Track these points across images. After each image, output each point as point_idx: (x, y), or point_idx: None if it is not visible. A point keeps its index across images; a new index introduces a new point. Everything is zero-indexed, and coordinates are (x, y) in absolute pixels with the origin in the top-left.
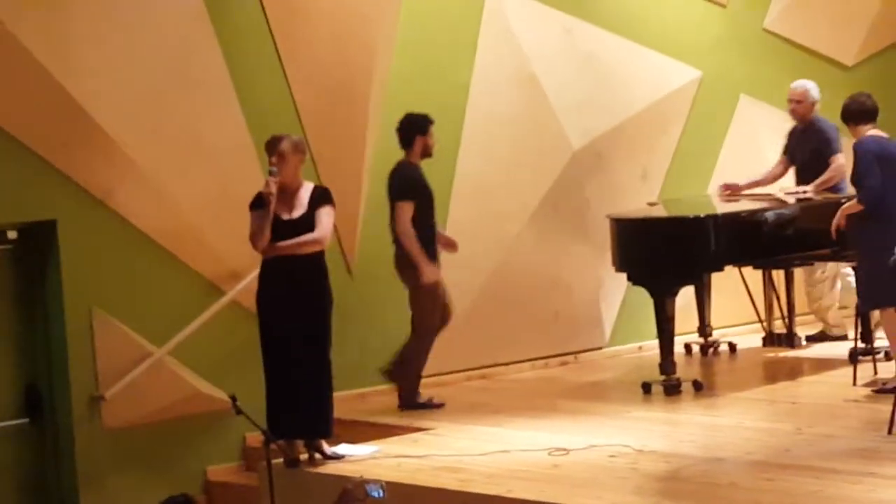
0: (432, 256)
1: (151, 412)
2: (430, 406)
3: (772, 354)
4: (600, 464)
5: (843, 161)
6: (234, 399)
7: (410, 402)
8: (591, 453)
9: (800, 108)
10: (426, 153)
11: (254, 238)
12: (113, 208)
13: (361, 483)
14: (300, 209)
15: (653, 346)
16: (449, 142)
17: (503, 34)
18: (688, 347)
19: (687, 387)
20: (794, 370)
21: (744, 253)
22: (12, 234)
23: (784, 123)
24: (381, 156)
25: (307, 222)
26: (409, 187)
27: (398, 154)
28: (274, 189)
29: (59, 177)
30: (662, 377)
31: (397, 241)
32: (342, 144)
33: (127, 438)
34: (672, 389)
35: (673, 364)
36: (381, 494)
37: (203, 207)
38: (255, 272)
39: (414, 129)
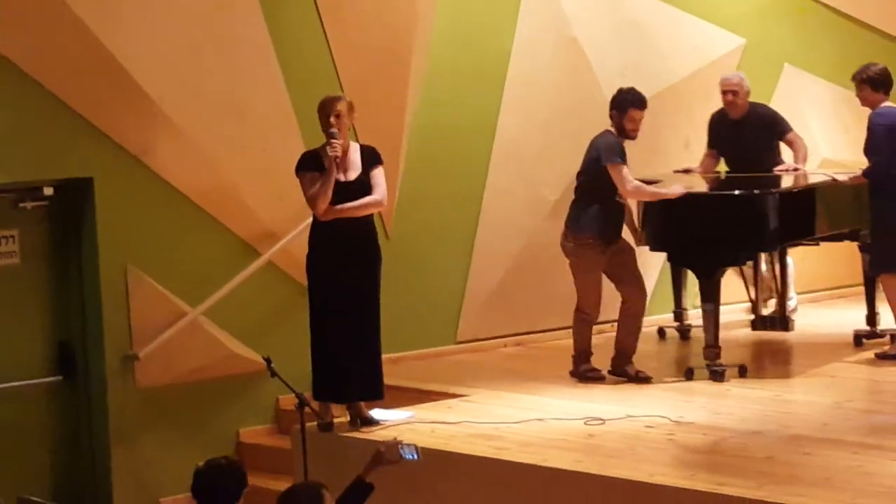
0: (617, 235)
1: (185, 372)
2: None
3: (766, 338)
4: (636, 434)
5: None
6: (268, 361)
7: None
8: (627, 424)
9: (737, 99)
10: (622, 133)
11: (315, 200)
12: (150, 167)
13: (395, 445)
14: (354, 171)
15: (691, 315)
16: (489, 106)
17: None
18: (661, 331)
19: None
20: (795, 351)
21: (792, 231)
22: (49, 191)
23: (829, 94)
24: (420, 121)
25: (362, 184)
26: (619, 150)
27: (438, 119)
28: (340, 151)
29: (97, 134)
30: (706, 362)
31: (581, 222)
32: (382, 109)
33: (160, 398)
34: (718, 375)
35: (719, 349)
36: (416, 457)
37: (240, 167)
38: (293, 233)
39: (612, 104)
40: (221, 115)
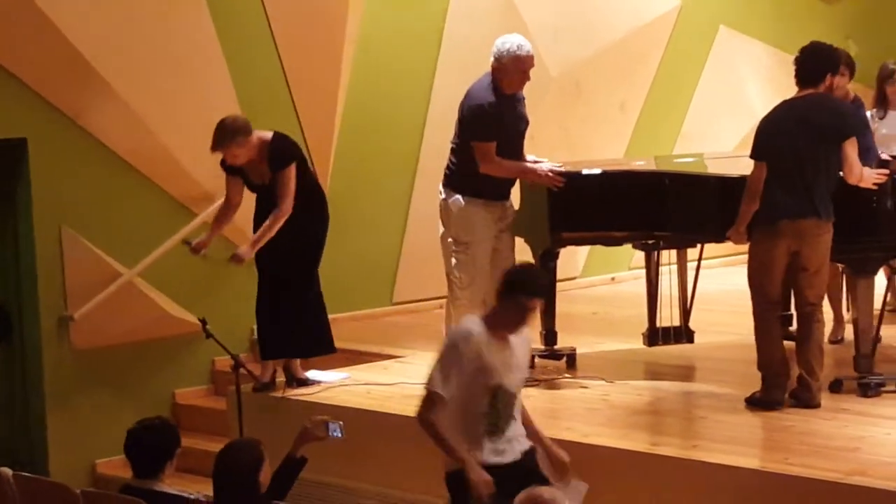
0: None
1: (120, 333)
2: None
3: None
4: (572, 395)
5: None
6: (203, 322)
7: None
8: (563, 384)
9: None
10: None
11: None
12: (85, 128)
13: (321, 422)
14: (267, 173)
15: (625, 277)
16: (425, 68)
17: None
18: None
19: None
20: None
21: None
22: None
23: (765, 56)
24: (356, 80)
25: (275, 185)
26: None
27: (375, 78)
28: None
29: (31, 94)
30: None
31: (830, 207)
32: (317, 69)
33: (95, 359)
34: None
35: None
36: (340, 434)
37: (176, 129)
38: None
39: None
40: (157, 77)
